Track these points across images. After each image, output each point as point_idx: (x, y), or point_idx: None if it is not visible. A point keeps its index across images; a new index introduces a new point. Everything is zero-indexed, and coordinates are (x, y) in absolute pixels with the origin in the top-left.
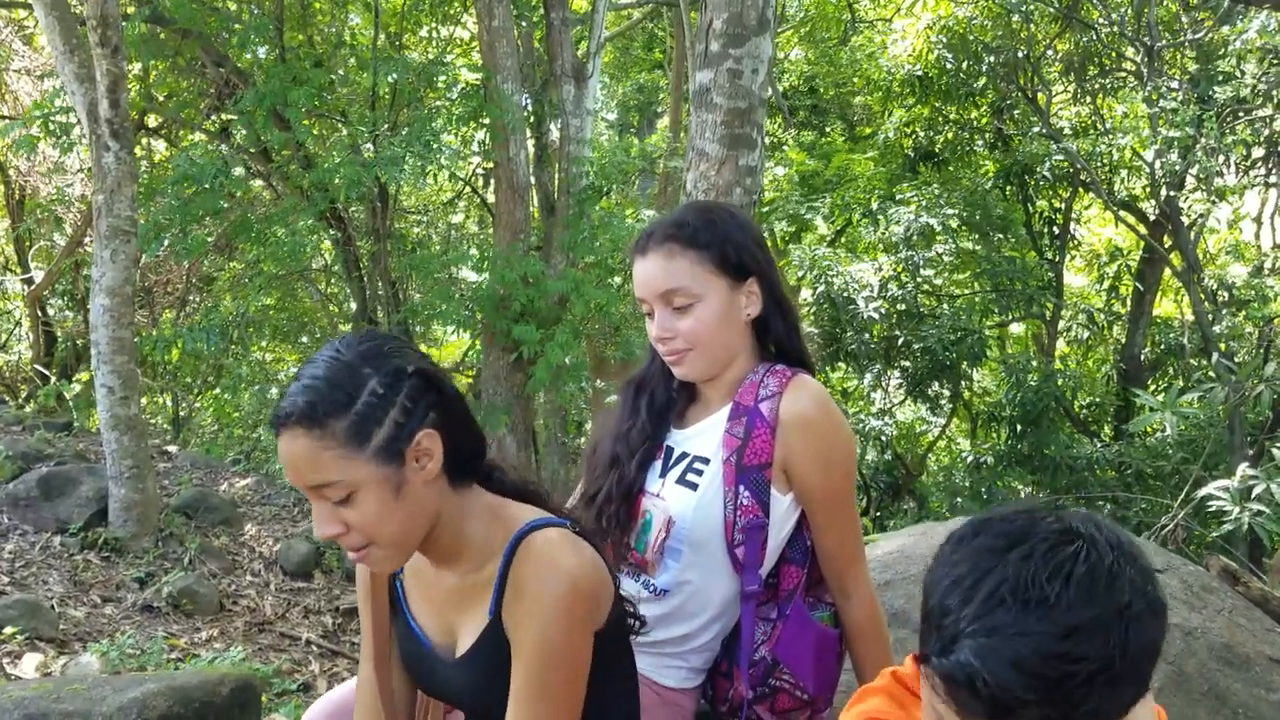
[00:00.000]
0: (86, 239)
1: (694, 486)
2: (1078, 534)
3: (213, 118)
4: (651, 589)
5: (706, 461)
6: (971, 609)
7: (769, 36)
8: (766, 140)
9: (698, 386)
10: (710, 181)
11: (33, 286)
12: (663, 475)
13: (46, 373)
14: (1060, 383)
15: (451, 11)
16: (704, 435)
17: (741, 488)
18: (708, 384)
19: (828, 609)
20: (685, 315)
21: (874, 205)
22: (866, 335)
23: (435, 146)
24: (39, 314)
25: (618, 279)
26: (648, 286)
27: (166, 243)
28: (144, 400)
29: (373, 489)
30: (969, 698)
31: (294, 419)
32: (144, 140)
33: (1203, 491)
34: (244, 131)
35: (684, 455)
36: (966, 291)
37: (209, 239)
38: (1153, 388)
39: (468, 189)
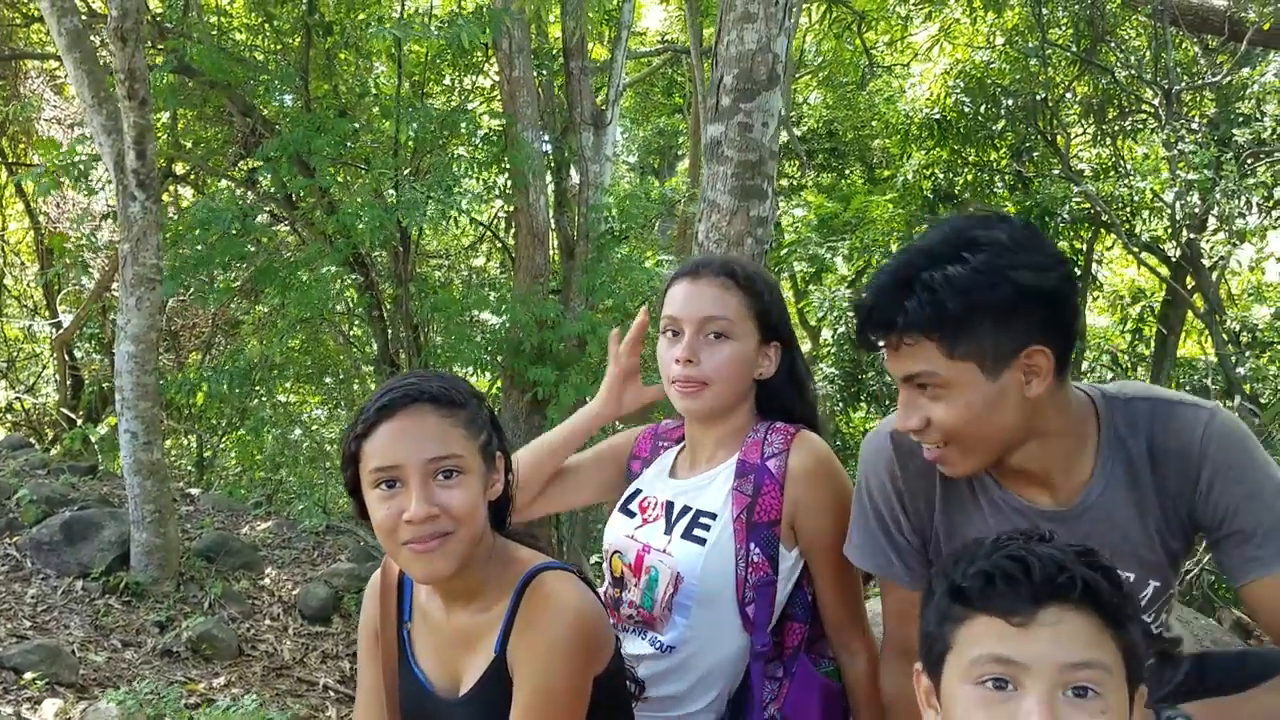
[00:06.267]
0: (114, 284)
1: (701, 541)
2: None
3: (239, 165)
4: (658, 645)
5: (713, 516)
6: None
7: (779, 91)
8: (785, 183)
9: (689, 436)
10: (722, 232)
11: (61, 331)
12: (668, 532)
13: (73, 416)
14: None
15: (474, 61)
16: (707, 489)
17: (753, 545)
18: (703, 432)
19: (830, 663)
20: (715, 348)
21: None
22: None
23: (456, 192)
24: (66, 358)
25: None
26: (692, 307)
27: (191, 289)
28: (169, 442)
29: (475, 478)
30: None
31: (425, 398)
32: (171, 187)
33: None
34: (269, 178)
35: (686, 509)
36: None
37: (235, 284)
38: None
39: (489, 233)
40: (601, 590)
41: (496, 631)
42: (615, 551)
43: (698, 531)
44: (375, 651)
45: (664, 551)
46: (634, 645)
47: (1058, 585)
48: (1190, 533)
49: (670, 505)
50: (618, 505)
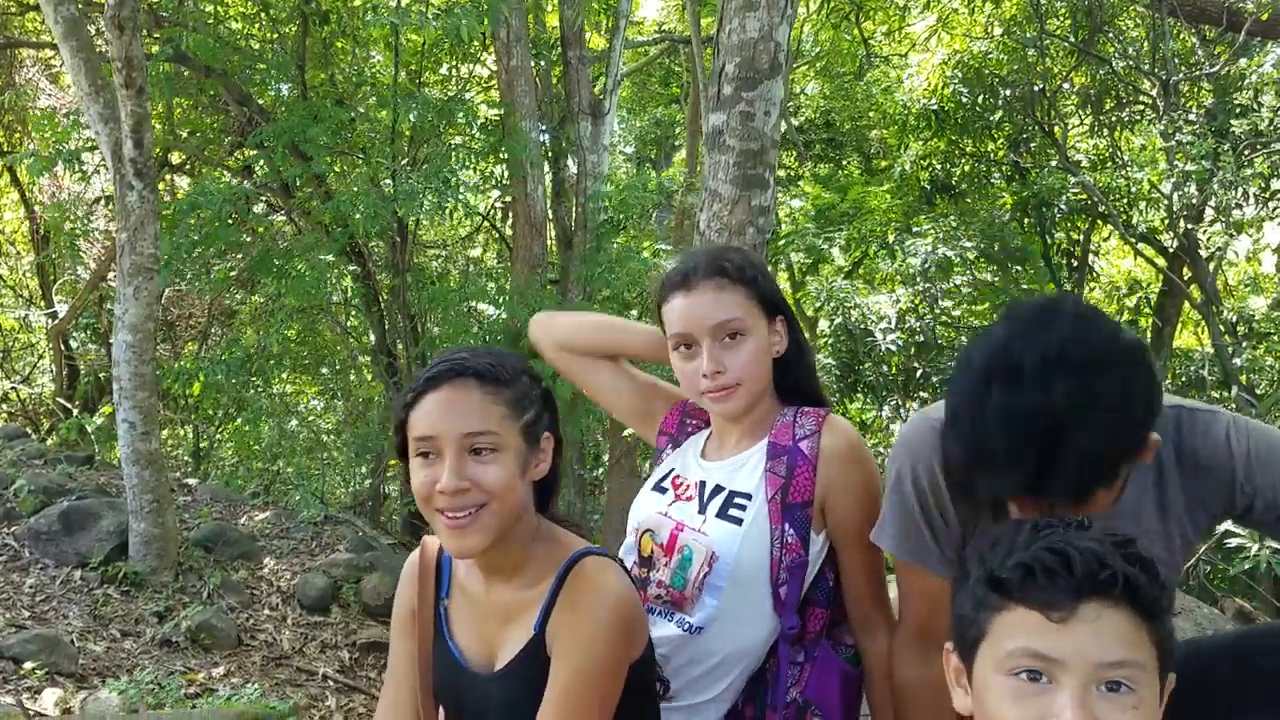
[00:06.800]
0: (110, 274)
1: (738, 521)
2: None
3: (235, 154)
4: (686, 626)
5: (748, 497)
6: None
7: (780, 80)
8: (783, 173)
9: (715, 423)
10: (723, 221)
11: (57, 321)
12: (702, 511)
13: (69, 406)
14: None
15: (471, 50)
16: (741, 470)
17: (787, 525)
18: (731, 421)
19: (848, 649)
20: (735, 349)
21: (891, 237)
22: (885, 367)
23: (453, 183)
24: (62, 348)
25: (634, 312)
26: (699, 320)
27: (188, 276)
28: (165, 432)
29: (513, 456)
30: None
31: (471, 372)
32: (167, 177)
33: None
34: (264, 165)
35: (720, 488)
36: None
37: (231, 274)
38: None
39: (486, 223)
40: None
41: (537, 609)
42: (647, 530)
43: (733, 511)
44: (410, 629)
45: (699, 530)
46: (660, 628)
47: (1099, 581)
48: (1212, 528)
49: (703, 485)
50: (649, 484)
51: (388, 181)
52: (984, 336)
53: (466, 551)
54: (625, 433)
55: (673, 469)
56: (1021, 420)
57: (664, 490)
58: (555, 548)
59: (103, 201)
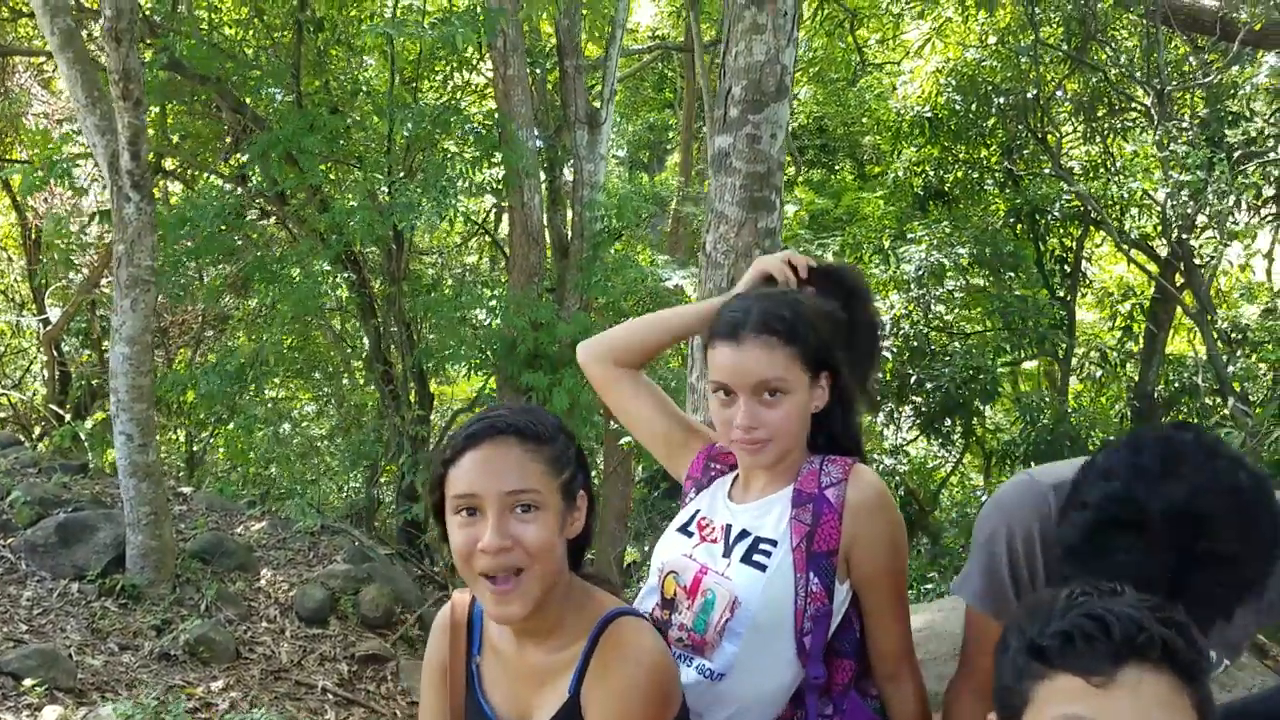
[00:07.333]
0: (104, 281)
1: (762, 568)
2: None
3: (229, 160)
4: (706, 673)
5: (773, 543)
6: None
7: (787, 102)
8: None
9: (741, 466)
10: (730, 243)
11: (50, 327)
12: (727, 555)
13: (61, 412)
14: (1074, 421)
15: (467, 58)
16: (766, 517)
17: (812, 574)
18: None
19: (875, 700)
20: (774, 407)
21: (885, 243)
22: (879, 373)
23: (451, 192)
24: (55, 353)
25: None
26: (743, 375)
27: (181, 283)
28: (158, 438)
29: (552, 514)
30: None
31: (511, 430)
32: (161, 182)
33: None
34: (259, 173)
35: (745, 533)
36: (978, 329)
37: (224, 280)
38: None
39: (480, 230)
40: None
41: (571, 672)
42: (671, 571)
43: (758, 557)
44: (441, 686)
45: (723, 574)
46: (682, 675)
47: (1137, 645)
48: None
49: (729, 528)
50: (673, 525)
51: (384, 189)
52: (1099, 474)
53: (511, 618)
54: (622, 440)
55: (698, 510)
56: (1149, 579)
57: (690, 533)
58: (587, 606)
59: (98, 218)
